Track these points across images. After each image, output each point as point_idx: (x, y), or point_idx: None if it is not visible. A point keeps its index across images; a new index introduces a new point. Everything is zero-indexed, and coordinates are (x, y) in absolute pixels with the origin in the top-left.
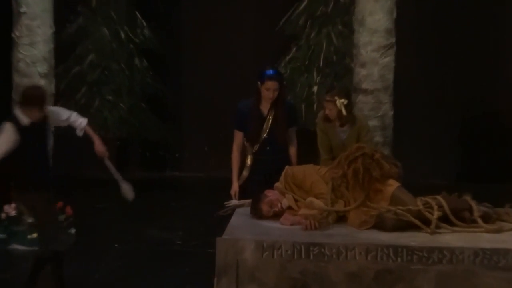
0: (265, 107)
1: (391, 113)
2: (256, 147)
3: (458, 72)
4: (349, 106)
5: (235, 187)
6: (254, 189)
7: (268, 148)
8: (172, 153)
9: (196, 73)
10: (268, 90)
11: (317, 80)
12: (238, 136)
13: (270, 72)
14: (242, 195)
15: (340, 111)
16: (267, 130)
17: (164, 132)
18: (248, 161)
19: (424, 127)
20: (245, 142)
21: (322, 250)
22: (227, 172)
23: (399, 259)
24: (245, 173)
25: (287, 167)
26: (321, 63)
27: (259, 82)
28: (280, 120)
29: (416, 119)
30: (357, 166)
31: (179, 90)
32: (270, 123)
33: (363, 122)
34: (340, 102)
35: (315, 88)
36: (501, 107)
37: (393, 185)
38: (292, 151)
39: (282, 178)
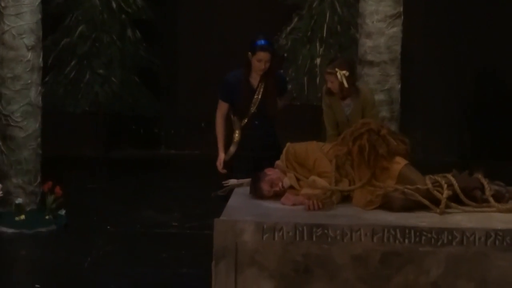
0: (255, 79)
1: (398, 86)
2: (245, 121)
3: (471, 43)
4: (351, 78)
5: (221, 157)
6: (241, 165)
7: (256, 122)
8: (167, 130)
9: (192, 45)
10: (260, 62)
11: (320, 52)
12: (223, 107)
13: (262, 42)
14: (229, 171)
15: (341, 83)
16: (257, 104)
17: (159, 108)
18: (236, 136)
19: (433, 102)
20: (233, 116)
21: (326, 231)
22: None
23: (406, 240)
24: (232, 148)
25: (288, 144)
26: (325, 34)
27: (249, 53)
28: (271, 93)
29: (425, 93)
30: (363, 142)
31: (174, 63)
32: (260, 96)
33: (368, 95)
34: (341, 73)
35: (318, 60)
36: None
37: (400, 162)
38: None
39: (283, 155)
